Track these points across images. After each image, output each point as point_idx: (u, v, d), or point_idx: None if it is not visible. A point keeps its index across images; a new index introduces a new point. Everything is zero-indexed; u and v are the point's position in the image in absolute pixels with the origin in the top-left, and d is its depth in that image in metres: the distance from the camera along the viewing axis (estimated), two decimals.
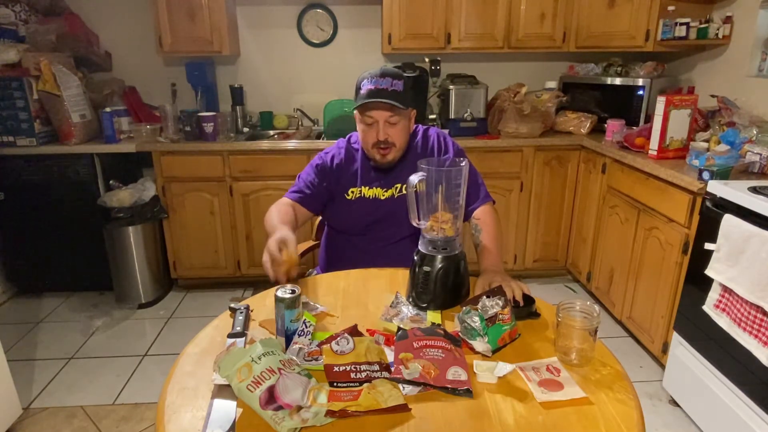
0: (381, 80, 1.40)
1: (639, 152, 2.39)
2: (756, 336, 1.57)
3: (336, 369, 0.95)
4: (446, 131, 2.81)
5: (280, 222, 1.38)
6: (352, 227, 1.59)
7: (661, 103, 2.17)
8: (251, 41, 3.20)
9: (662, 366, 2.18)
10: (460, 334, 1.07)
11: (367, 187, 1.56)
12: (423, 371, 0.94)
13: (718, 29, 2.51)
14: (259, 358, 0.89)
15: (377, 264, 1.47)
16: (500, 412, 0.88)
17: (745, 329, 1.61)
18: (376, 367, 0.95)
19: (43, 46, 2.76)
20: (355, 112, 1.49)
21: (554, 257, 3.11)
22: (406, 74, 2.80)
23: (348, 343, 1.01)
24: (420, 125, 1.65)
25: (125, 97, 3.07)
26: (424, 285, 1.20)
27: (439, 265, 1.19)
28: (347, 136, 1.65)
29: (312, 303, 1.24)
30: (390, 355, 1.01)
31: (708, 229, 1.79)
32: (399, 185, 1.54)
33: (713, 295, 1.75)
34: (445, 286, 1.20)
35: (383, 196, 1.55)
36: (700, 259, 1.81)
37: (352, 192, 1.56)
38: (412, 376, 0.93)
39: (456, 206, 1.20)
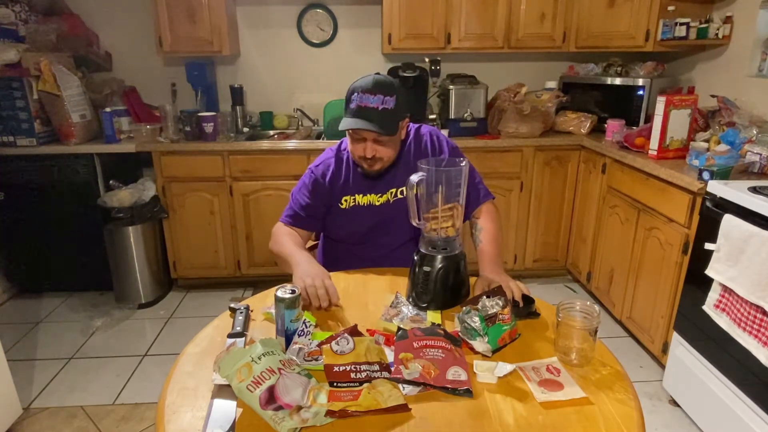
0: (372, 97, 1.34)
1: (639, 152, 2.39)
2: (756, 336, 1.57)
3: (336, 369, 0.95)
4: (445, 131, 2.84)
5: (297, 246, 1.43)
6: (349, 236, 1.56)
7: (661, 103, 2.17)
8: (251, 41, 3.20)
9: (662, 366, 2.17)
10: (460, 334, 1.07)
11: (361, 195, 1.52)
12: (423, 371, 0.94)
13: (718, 29, 2.51)
14: (259, 358, 0.89)
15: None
16: (500, 412, 0.88)
17: (745, 329, 1.61)
18: (376, 367, 0.96)
19: (43, 46, 2.76)
20: None
21: (554, 257, 3.11)
22: (405, 74, 2.84)
23: (348, 343, 1.01)
24: (412, 124, 1.59)
25: (125, 97, 3.06)
26: (424, 285, 1.20)
27: (439, 265, 1.19)
28: (338, 143, 1.59)
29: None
30: (390, 355, 1.01)
31: (708, 229, 1.79)
32: (394, 189, 1.51)
33: (713, 295, 1.75)
34: (445, 286, 1.20)
35: (378, 202, 1.51)
36: (700, 259, 1.81)
37: (346, 200, 1.52)
38: (412, 376, 0.93)
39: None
